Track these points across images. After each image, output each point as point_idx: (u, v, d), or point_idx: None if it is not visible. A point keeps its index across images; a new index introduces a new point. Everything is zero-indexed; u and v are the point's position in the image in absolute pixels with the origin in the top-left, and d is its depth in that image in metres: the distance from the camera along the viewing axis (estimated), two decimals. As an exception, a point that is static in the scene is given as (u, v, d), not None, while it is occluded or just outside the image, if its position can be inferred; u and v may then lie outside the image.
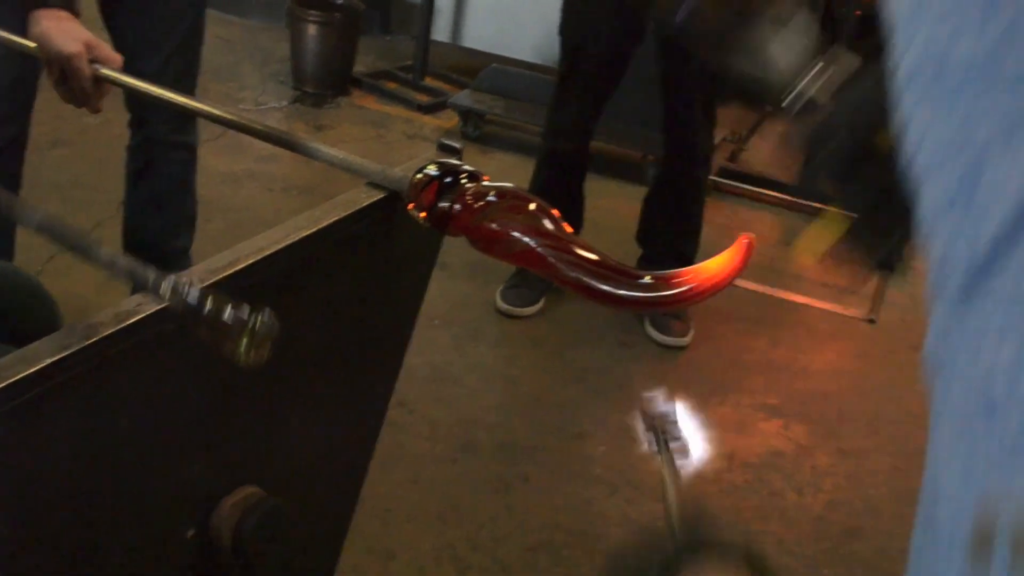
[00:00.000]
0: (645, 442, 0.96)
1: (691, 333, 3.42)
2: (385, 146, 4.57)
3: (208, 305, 1.00)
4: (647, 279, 1.18)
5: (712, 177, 4.04)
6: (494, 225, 1.27)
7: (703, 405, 2.32)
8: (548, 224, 1.25)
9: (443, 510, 2.63)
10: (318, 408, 1.53)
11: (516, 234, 1.25)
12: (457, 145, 1.49)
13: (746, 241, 1.16)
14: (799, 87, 1.03)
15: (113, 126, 2.83)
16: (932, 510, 0.58)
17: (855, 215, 1.01)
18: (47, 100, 1.80)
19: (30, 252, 2.79)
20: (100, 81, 1.77)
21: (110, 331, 1.06)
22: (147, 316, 1.09)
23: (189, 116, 2.65)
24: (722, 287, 1.16)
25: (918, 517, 0.61)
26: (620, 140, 4.39)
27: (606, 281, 1.16)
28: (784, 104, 1.03)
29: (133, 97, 2.60)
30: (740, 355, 3.43)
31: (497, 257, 1.28)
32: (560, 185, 3.45)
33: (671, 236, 3.46)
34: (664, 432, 0.95)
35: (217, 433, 1.32)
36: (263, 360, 1.01)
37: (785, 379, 3.34)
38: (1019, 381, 0.51)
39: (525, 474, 2.78)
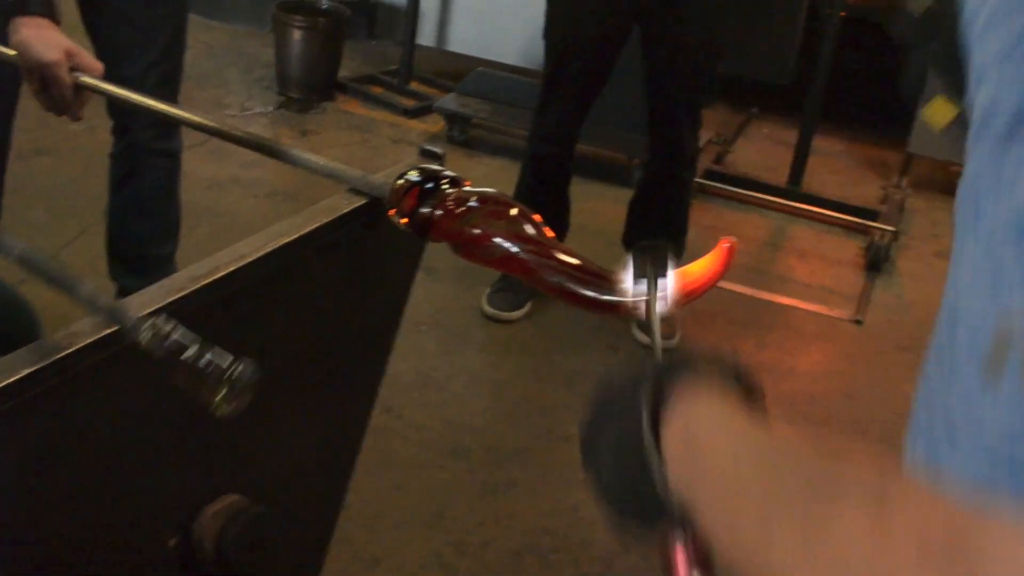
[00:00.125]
0: (631, 278, 0.98)
1: (678, 335, 3.42)
2: (371, 151, 4.57)
3: (188, 352, 0.98)
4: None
5: (698, 179, 4.04)
6: (475, 230, 1.27)
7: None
8: (529, 229, 1.25)
9: (430, 516, 2.62)
10: (301, 415, 1.52)
11: (497, 239, 1.25)
12: (439, 151, 1.49)
13: (727, 245, 1.16)
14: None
15: (98, 133, 2.82)
16: (950, 332, 0.64)
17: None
18: (31, 107, 1.79)
19: (13, 260, 2.78)
20: (81, 89, 1.77)
21: (85, 343, 1.05)
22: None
23: (172, 123, 2.64)
24: (703, 291, 1.15)
25: (932, 347, 0.67)
26: (606, 143, 4.39)
27: (587, 286, 1.16)
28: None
29: (115, 104, 2.59)
30: (727, 357, 3.43)
31: (478, 262, 1.28)
32: (546, 188, 3.44)
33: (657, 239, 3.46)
34: (655, 269, 0.97)
35: (198, 441, 1.31)
36: (240, 411, 0.99)
37: (772, 380, 3.34)
38: None
39: (512, 479, 2.78)
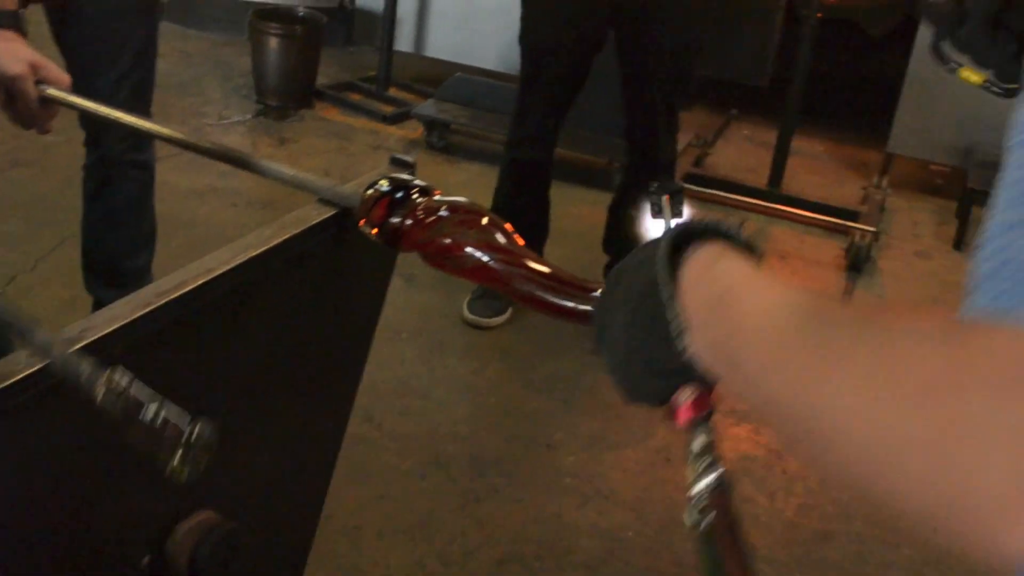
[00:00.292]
0: (649, 212, 0.98)
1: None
2: (349, 158, 4.55)
3: (144, 412, 0.94)
4: (600, 292, 1.16)
5: (678, 182, 4.03)
6: (446, 240, 1.25)
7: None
8: (500, 238, 1.23)
9: (412, 525, 2.60)
10: (275, 427, 1.51)
11: (468, 249, 1.23)
12: (409, 159, 1.47)
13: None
14: None
15: (75, 145, 2.80)
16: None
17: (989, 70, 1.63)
18: (6, 120, 1.77)
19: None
20: (47, 102, 1.74)
21: (43, 364, 1.03)
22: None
23: (143, 135, 2.62)
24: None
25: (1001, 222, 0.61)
26: (586, 147, 4.39)
27: (558, 294, 1.15)
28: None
29: (87, 116, 2.57)
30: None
31: (449, 272, 1.26)
32: (525, 193, 3.43)
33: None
34: (672, 207, 0.98)
35: (168, 458, 1.29)
36: (196, 475, 0.95)
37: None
38: None
39: (495, 486, 2.76)
